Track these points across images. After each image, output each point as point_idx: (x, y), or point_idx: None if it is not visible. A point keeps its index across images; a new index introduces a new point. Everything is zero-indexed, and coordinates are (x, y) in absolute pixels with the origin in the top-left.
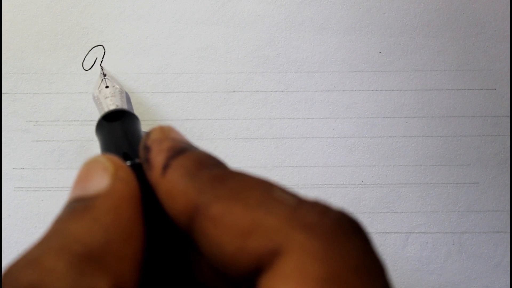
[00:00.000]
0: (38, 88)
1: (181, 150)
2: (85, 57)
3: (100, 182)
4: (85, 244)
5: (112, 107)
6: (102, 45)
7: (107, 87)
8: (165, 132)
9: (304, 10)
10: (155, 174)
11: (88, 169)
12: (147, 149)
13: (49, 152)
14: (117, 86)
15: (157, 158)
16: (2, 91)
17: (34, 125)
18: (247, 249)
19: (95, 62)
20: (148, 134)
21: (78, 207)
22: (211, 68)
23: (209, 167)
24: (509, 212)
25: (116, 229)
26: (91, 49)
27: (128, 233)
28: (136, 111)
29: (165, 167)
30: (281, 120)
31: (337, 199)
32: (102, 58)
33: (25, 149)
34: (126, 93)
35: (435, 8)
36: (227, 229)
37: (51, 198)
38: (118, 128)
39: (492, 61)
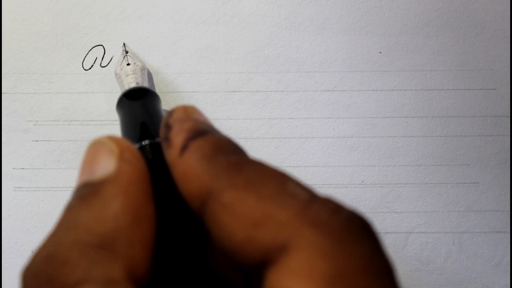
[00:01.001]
0: (38, 88)
1: (202, 132)
2: (85, 57)
3: (107, 165)
4: (96, 234)
5: (133, 85)
6: (102, 45)
7: (128, 64)
8: (188, 112)
9: (304, 10)
10: (173, 153)
11: (93, 151)
12: (169, 127)
13: (49, 152)
14: (138, 63)
15: (177, 137)
16: (2, 91)
17: (34, 125)
18: (256, 240)
19: (95, 62)
20: (171, 112)
21: (86, 193)
22: (211, 68)
23: (227, 153)
24: (509, 212)
25: (125, 214)
26: (91, 49)
27: (138, 218)
28: None
29: (184, 147)
30: (281, 120)
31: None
32: (102, 58)
33: (25, 149)
34: (148, 71)
35: (435, 8)
36: (238, 218)
37: (51, 198)
38: (139, 106)
39: (492, 61)
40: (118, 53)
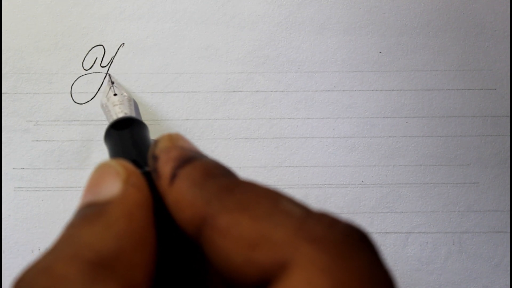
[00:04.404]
0: (38, 88)
1: (189, 159)
2: (85, 57)
3: (112, 188)
4: (97, 251)
5: (121, 115)
6: (102, 45)
7: (115, 94)
8: (173, 140)
9: (304, 10)
10: (163, 183)
11: (100, 174)
12: (155, 158)
13: (49, 152)
14: (125, 93)
15: (165, 167)
16: (2, 91)
17: (34, 125)
18: (254, 261)
19: (95, 62)
20: (156, 143)
21: (90, 213)
22: (211, 68)
23: (217, 177)
24: (509, 212)
25: (128, 236)
26: (91, 49)
27: (141, 241)
28: None
29: (173, 176)
30: (281, 120)
31: (337, 199)
32: (102, 58)
33: (25, 149)
34: (134, 101)
35: (435, 8)
36: (234, 241)
37: (51, 198)
38: (127, 136)
39: (492, 61)
40: (118, 53)
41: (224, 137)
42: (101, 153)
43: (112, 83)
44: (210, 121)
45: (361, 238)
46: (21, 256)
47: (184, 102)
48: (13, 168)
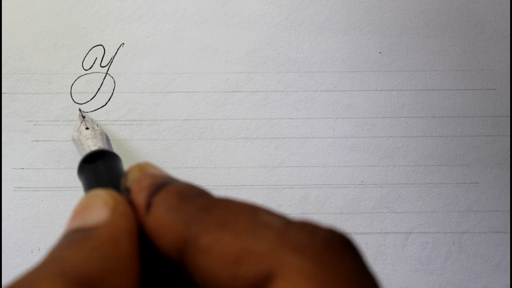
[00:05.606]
0: (38, 88)
1: (162, 184)
2: (85, 57)
3: (100, 214)
4: (82, 272)
5: (94, 148)
6: (102, 45)
7: (87, 128)
8: (143, 169)
9: (304, 10)
10: (139, 213)
11: (87, 202)
12: (128, 190)
13: (49, 152)
14: (96, 127)
15: (139, 198)
16: (2, 91)
17: (34, 125)
18: (240, 276)
19: (94, 62)
20: (126, 174)
21: (76, 237)
22: (211, 68)
23: (193, 198)
24: (509, 212)
25: (114, 260)
26: (91, 49)
27: (126, 266)
28: (136, 111)
29: (148, 205)
30: (281, 120)
31: (337, 199)
32: (102, 58)
33: (25, 149)
34: (106, 134)
35: (435, 8)
36: (218, 258)
37: (51, 198)
38: (101, 169)
39: (492, 61)
40: (118, 53)
41: (224, 137)
42: None
43: (83, 117)
44: (210, 121)
45: (344, 243)
46: (21, 256)
47: (184, 102)
48: (13, 168)
